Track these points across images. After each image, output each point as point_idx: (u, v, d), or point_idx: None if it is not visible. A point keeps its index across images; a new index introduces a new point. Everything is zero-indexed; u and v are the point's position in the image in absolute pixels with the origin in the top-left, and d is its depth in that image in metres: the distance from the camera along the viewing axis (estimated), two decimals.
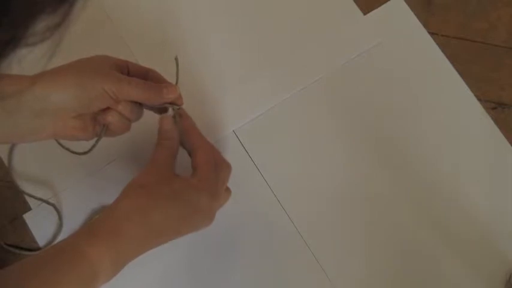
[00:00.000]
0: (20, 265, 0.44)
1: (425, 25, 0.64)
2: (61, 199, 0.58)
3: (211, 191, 0.50)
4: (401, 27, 0.64)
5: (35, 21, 0.24)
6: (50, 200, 0.58)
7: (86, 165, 0.58)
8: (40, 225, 0.57)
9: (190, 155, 0.52)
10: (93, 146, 0.53)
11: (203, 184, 0.49)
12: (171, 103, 0.52)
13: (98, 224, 0.46)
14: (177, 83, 0.52)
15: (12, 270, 0.44)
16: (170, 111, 0.53)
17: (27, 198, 0.58)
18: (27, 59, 0.25)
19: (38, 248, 0.57)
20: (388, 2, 0.64)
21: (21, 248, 0.57)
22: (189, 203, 0.48)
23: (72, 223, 0.57)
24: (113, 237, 0.45)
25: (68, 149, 0.55)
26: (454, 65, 0.62)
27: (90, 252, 0.43)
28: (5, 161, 0.59)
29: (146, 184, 0.48)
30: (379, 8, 0.64)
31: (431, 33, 0.64)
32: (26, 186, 0.58)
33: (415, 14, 0.64)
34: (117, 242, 0.45)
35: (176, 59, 0.52)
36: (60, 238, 0.57)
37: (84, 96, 0.47)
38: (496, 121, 0.61)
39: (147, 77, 0.52)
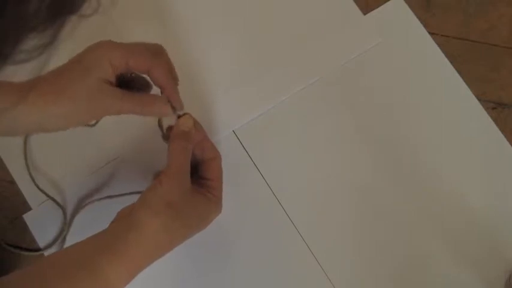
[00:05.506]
0: (37, 273, 0.44)
1: (425, 25, 0.64)
2: (63, 197, 0.58)
3: (220, 203, 0.52)
4: (401, 27, 0.64)
5: (25, 39, 0.24)
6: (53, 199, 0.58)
7: (88, 164, 0.58)
8: (40, 225, 0.57)
9: (198, 163, 0.52)
10: None
11: (217, 199, 0.51)
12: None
13: (120, 240, 0.45)
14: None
15: (28, 275, 0.44)
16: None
17: (28, 198, 0.58)
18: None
19: (38, 248, 0.57)
20: (388, 2, 0.64)
21: (21, 248, 0.57)
22: (205, 219, 0.51)
23: (74, 221, 0.57)
24: (137, 258, 0.45)
25: None
26: (454, 65, 0.62)
27: (110, 271, 0.44)
28: (22, 157, 0.58)
29: (173, 203, 0.47)
30: (379, 8, 0.64)
31: (431, 33, 0.64)
32: (27, 184, 0.58)
33: (415, 14, 0.64)
34: (140, 261, 0.46)
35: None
36: (66, 236, 0.57)
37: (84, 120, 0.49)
38: (496, 121, 0.61)
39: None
